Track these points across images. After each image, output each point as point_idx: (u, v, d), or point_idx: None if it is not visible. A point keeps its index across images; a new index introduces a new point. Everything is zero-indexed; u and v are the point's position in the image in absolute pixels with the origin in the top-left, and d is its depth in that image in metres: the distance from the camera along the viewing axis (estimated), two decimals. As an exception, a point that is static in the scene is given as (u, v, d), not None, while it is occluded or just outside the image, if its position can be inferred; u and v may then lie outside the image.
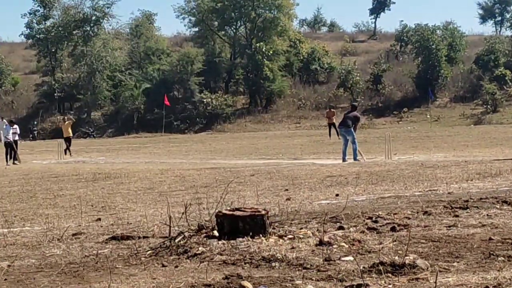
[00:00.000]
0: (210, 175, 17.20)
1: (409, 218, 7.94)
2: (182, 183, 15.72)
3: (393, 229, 7.18)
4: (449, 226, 7.35)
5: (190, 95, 62.63)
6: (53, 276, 5.96)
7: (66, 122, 34.36)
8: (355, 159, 21.31)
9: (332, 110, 40.46)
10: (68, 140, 32.23)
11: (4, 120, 36.77)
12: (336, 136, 34.01)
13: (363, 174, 15.52)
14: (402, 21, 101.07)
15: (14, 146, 28.37)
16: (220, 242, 6.51)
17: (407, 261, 5.51)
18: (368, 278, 5.25)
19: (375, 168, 17.36)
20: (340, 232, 6.96)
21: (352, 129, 21.99)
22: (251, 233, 6.56)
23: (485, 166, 15.98)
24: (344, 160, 21.37)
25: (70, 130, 33.02)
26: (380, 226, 7.41)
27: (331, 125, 38.04)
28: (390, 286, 5.09)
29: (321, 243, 6.44)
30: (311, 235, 6.79)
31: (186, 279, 5.53)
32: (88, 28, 64.95)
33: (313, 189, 13.02)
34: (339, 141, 35.26)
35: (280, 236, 6.71)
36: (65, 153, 30.93)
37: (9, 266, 6.48)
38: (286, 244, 6.45)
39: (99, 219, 9.95)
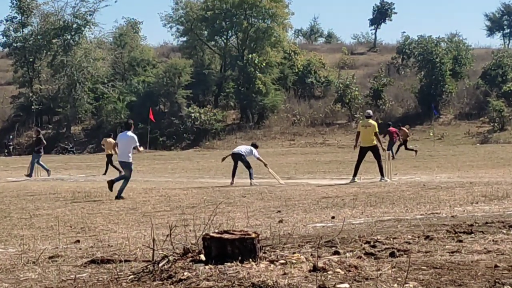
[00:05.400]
0: (198, 195, 17.20)
1: (409, 243, 7.95)
2: (167, 203, 15.71)
3: (392, 254, 7.19)
4: (452, 252, 7.35)
5: (177, 109, 62.64)
6: (27, 302, 5.95)
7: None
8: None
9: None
10: None
11: None
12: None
13: (361, 196, 15.55)
14: (404, 32, 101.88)
15: None
16: (207, 267, 6.49)
17: (406, 289, 5.51)
18: (365, 307, 5.26)
19: (373, 189, 17.40)
20: (335, 257, 6.96)
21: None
22: (240, 258, 6.55)
23: (491, 188, 16.05)
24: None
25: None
26: (379, 251, 7.42)
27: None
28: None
29: (315, 269, 6.43)
30: (304, 260, 6.79)
31: (170, 307, 5.52)
32: (69, 37, 64.81)
33: (308, 211, 13.03)
34: (335, 160, 35.46)
35: (272, 261, 6.70)
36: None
37: (-20, 291, 6.45)
38: (277, 270, 6.44)
39: (78, 241, 9.93)
